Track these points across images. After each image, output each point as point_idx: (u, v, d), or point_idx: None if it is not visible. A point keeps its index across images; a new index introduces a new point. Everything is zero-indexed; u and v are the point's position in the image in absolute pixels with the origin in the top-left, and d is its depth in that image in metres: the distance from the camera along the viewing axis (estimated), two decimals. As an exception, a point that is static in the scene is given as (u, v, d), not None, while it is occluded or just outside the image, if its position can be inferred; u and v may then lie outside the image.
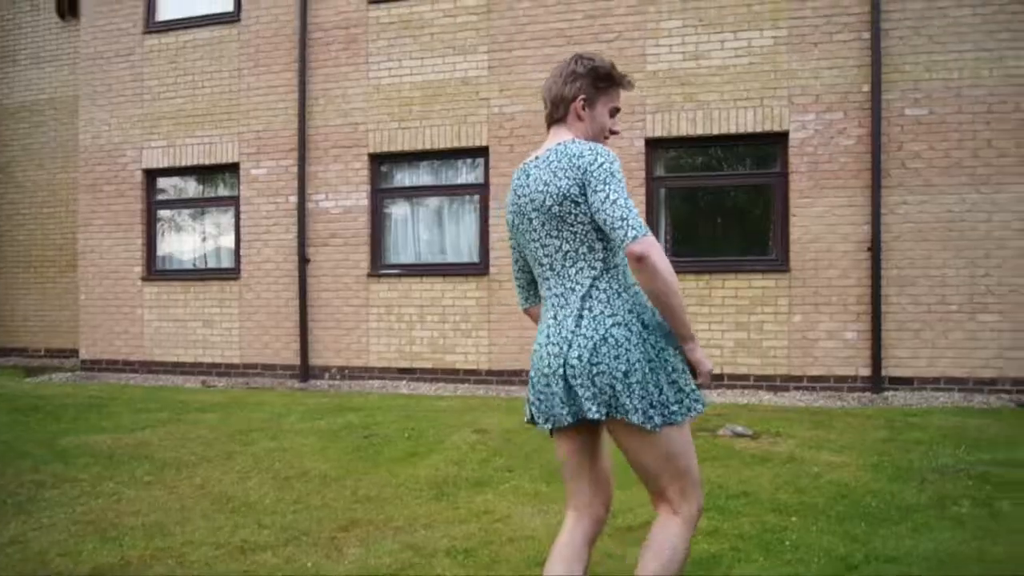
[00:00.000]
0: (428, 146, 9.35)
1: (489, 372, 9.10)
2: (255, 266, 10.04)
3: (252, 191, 10.07)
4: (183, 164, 10.43)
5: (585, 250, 2.33)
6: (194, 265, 10.74)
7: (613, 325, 2.27)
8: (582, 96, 2.45)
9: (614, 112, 2.56)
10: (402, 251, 9.73)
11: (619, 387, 2.24)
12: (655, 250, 2.16)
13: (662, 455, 2.34)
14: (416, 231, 9.75)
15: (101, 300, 10.79)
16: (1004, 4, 7.77)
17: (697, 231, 9.06)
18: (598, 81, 2.47)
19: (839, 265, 8.14)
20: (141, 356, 10.56)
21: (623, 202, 2.20)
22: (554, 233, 2.35)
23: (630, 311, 2.30)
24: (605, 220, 2.21)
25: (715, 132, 8.42)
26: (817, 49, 8.18)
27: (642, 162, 8.64)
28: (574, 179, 2.28)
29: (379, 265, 9.63)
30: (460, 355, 9.22)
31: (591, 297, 2.32)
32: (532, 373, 2.45)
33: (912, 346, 7.99)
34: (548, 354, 2.36)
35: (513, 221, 2.48)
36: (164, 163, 10.51)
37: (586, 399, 2.27)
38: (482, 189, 9.28)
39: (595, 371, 2.26)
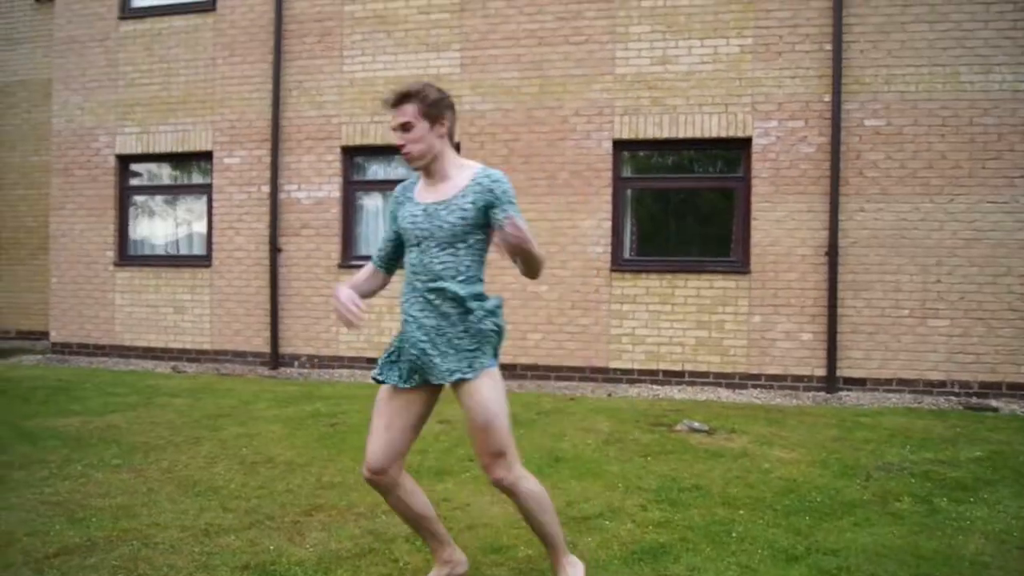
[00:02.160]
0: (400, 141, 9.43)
1: (456, 364, 9.22)
2: (227, 254, 10.11)
3: (225, 180, 10.13)
4: (156, 151, 10.45)
5: None
6: (166, 251, 10.78)
7: None
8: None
9: (396, 128, 2.98)
10: (373, 243, 9.83)
11: None
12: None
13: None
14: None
15: (73, 284, 10.80)
16: (959, 21, 8.04)
17: (661, 231, 9.26)
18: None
19: (798, 269, 8.38)
20: (112, 340, 10.60)
21: None
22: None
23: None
24: None
25: (681, 136, 8.62)
26: (781, 58, 8.40)
27: (609, 163, 8.81)
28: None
29: (350, 256, 9.74)
30: (428, 347, 9.32)
31: None
32: None
33: (866, 348, 8.25)
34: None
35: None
36: (137, 149, 10.52)
37: None
38: (453, 184, 9.38)
39: None
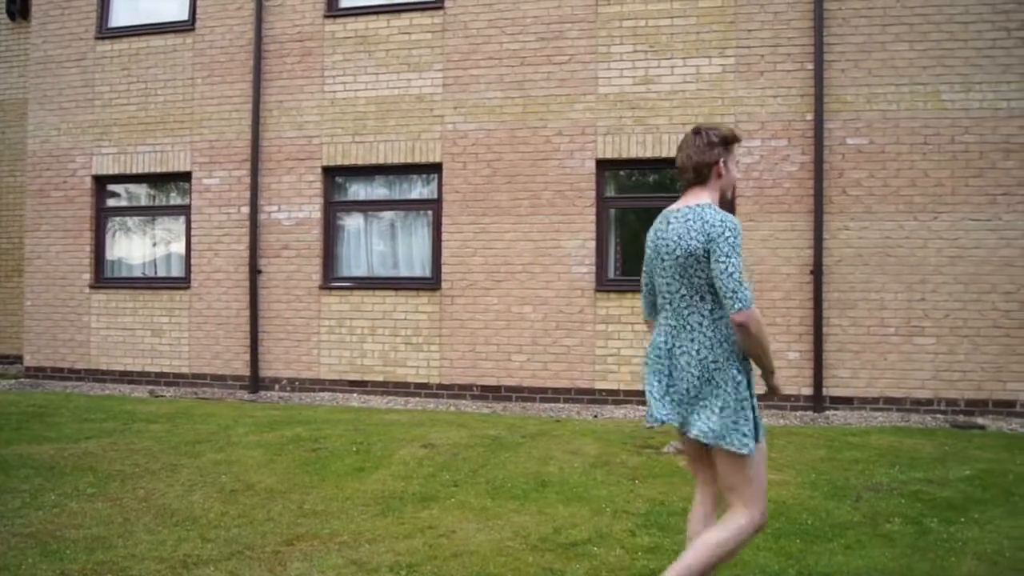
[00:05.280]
0: (382, 160, 9.40)
1: (440, 386, 9.16)
2: (206, 276, 9.98)
3: (204, 200, 10.02)
4: (134, 171, 10.33)
5: (698, 299, 2.87)
6: (144, 273, 10.63)
7: (715, 369, 2.83)
8: (721, 159, 2.95)
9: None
10: (354, 264, 9.76)
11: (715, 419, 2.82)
12: (753, 319, 2.73)
13: (742, 472, 2.87)
14: (369, 244, 9.78)
15: (47, 307, 10.62)
16: (939, 40, 8.09)
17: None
18: (728, 144, 2.98)
19: (782, 287, 8.36)
20: (87, 364, 10.42)
21: (738, 276, 2.72)
22: (677, 277, 2.90)
23: (727, 358, 2.83)
24: (720, 287, 2.75)
25: (664, 155, 8.60)
26: (763, 78, 8.42)
27: (592, 182, 8.79)
28: (702, 242, 2.80)
29: (331, 277, 9.64)
30: (411, 368, 9.26)
31: (696, 339, 2.87)
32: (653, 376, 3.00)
33: (852, 367, 8.23)
34: (681, 380, 2.92)
35: (650, 256, 3.07)
36: (114, 170, 10.40)
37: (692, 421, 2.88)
38: (435, 204, 9.36)
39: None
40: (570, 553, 3.86)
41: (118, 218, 10.71)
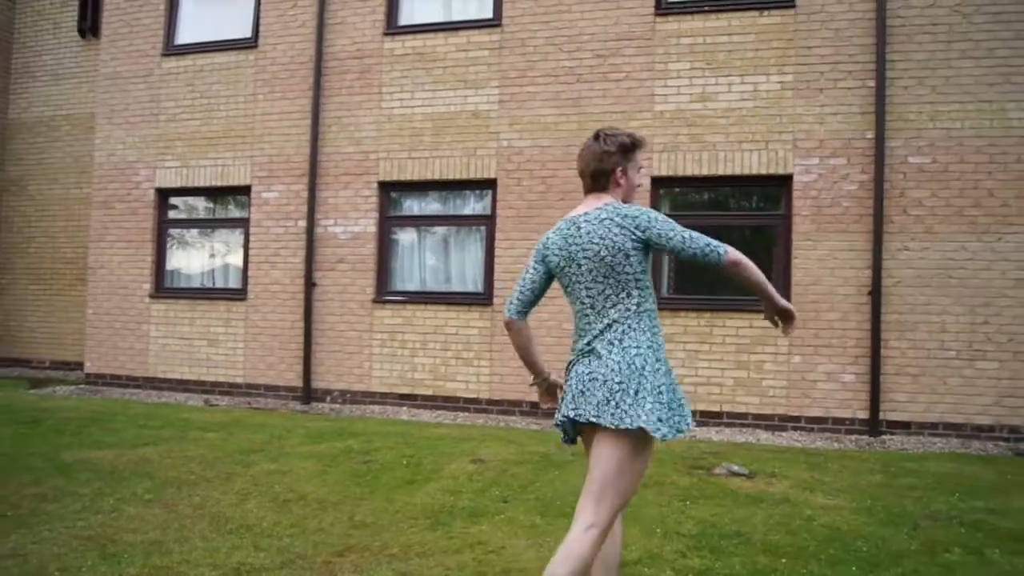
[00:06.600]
0: (437, 176, 9.48)
1: (489, 402, 9.16)
2: (262, 288, 10.15)
3: (262, 214, 10.21)
4: (196, 185, 10.58)
5: (624, 295, 2.80)
6: (202, 284, 10.86)
7: (636, 355, 2.72)
8: (620, 167, 2.94)
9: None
10: (407, 278, 9.83)
11: (629, 400, 2.66)
12: (741, 256, 2.71)
13: (626, 463, 2.72)
14: (422, 259, 9.86)
15: (108, 315, 10.90)
16: (1005, 57, 7.90)
17: (699, 269, 9.11)
18: (627, 151, 2.96)
19: (839, 308, 8.21)
20: (145, 372, 10.65)
21: (696, 234, 2.73)
22: (600, 279, 2.81)
23: (648, 347, 2.75)
24: (694, 253, 2.72)
25: (720, 173, 8.53)
26: (822, 95, 8.31)
27: (648, 200, 8.74)
28: (628, 236, 2.76)
29: (384, 291, 9.73)
30: (461, 383, 9.29)
31: (623, 332, 2.77)
32: (572, 380, 2.85)
33: (910, 391, 8.03)
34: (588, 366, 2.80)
35: (559, 263, 2.95)
36: (177, 183, 10.66)
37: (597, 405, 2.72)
38: (489, 220, 9.40)
39: (616, 386, 2.70)
40: (620, 574, 3.81)
41: (179, 230, 10.97)
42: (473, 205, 9.67)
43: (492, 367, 9.17)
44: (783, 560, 4.05)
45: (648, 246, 2.80)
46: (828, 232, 8.26)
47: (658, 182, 8.82)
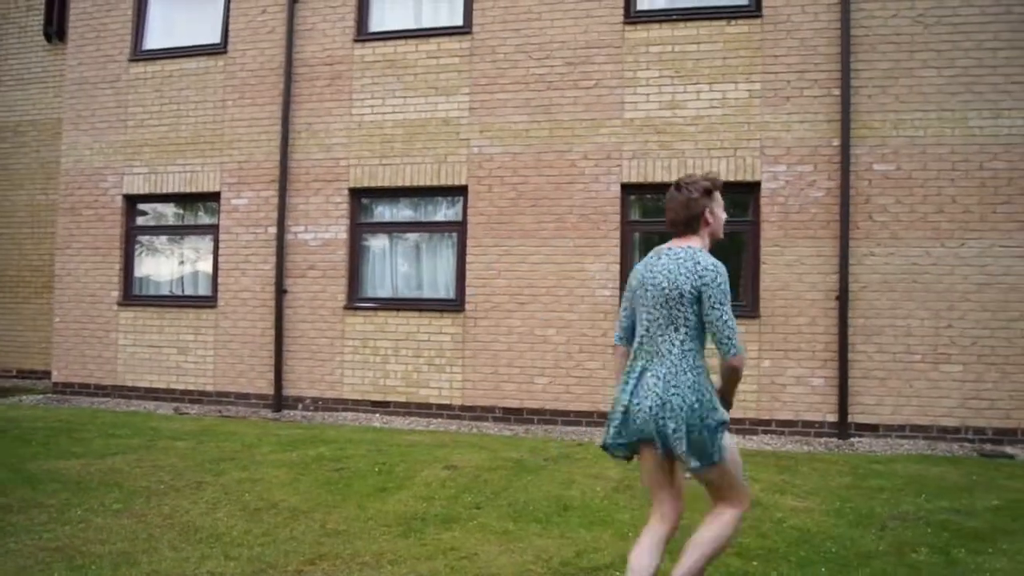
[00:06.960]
0: (408, 183, 9.48)
1: (462, 408, 9.16)
2: (232, 295, 10.08)
3: (232, 220, 10.14)
4: (164, 191, 10.48)
5: (672, 330, 3.09)
6: (171, 292, 10.75)
7: (674, 394, 3.03)
8: (706, 208, 3.26)
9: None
10: (379, 285, 9.81)
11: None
12: (743, 364, 3.12)
13: (723, 477, 3.13)
14: (394, 266, 9.84)
15: (76, 323, 10.77)
16: (966, 67, 8.06)
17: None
18: (709, 193, 3.29)
19: (808, 313, 8.31)
20: (114, 381, 10.53)
21: (732, 324, 3.02)
22: (658, 307, 3.13)
23: (689, 387, 3.03)
24: (716, 333, 3.01)
25: (690, 179, 8.59)
26: (789, 103, 8.42)
27: (617, 206, 8.81)
28: (693, 284, 3.05)
29: (356, 298, 9.70)
30: (434, 389, 9.28)
31: (664, 363, 3.09)
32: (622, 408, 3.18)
33: (878, 394, 8.15)
34: (646, 397, 3.10)
35: (633, 286, 3.29)
36: (145, 189, 10.55)
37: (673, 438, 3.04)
38: (460, 227, 9.41)
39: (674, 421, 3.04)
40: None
41: (147, 236, 10.86)
42: (444, 211, 9.68)
43: (464, 373, 9.18)
44: (754, 563, 4.10)
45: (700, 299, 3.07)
46: (796, 238, 8.37)
47: (628, 188, 8.88)
